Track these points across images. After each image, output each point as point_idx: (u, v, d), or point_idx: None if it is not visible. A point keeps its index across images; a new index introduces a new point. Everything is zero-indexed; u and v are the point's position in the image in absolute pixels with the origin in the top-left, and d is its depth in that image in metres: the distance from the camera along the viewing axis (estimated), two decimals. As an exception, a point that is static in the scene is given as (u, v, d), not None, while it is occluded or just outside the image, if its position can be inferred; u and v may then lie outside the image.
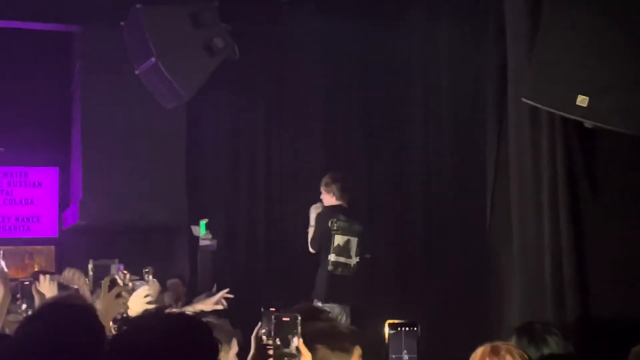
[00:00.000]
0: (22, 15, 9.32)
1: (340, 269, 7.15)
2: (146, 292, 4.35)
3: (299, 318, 2.74)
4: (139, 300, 4.29)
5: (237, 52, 8.47)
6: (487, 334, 5.05)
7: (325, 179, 7.38)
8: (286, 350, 2.71)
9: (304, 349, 2.74)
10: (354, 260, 7.18)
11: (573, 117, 4.31)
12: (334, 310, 6.86)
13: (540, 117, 4.78)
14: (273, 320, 2.71)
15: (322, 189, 7.37)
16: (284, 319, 2.71)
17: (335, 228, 7.19)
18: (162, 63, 7.95)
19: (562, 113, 4.39)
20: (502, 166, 5.49)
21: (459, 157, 7.67)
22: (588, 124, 4.31)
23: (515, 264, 5.16)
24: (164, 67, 7.96)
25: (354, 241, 7.18)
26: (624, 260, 4.59)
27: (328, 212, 7.28)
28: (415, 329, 2.54)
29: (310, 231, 7.44)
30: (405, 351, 2.50)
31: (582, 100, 4.17)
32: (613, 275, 4.60)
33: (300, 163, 9.38)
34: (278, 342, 2.70)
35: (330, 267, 7.14)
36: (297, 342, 2.71)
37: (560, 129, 4.65)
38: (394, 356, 2.51)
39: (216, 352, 2.29)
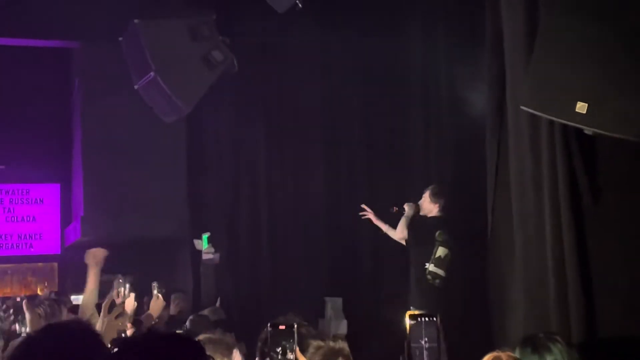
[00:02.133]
0: (21, 32, 9.35)
1: (437, 280, 7.12)
2: None
3: (296, 326, 2.76)
4: None
5: (235, 65, 8.46)
6: (489, 344, 5.05)
7: (434, 189, 7.34)
8: (285, 358, 2.73)
9: (301, 358, 2.76)
10: (444, 273, 7.15)
11: (572, 124, 4.29)
12: None
13: (539, 125, 4.76)
14: (269, 330, 2.74)
15: (429, 197, 7.32)
16: (281, 327, 2.75)
17: (441, 240, 7.17)
18: (161, 77, 7.96)
19: (561, 120, 4.37)
20: (502, 174, 5.47)
21: (459, 167, 7.67)
22: (588, 130, 4.28)
23: (517, 272, 5.14)
24: (163, 81, 7.96)
25: (449, 255, 7.17)
26: (626, 266, 4.57)
27: (435, 222, 7.28)
28: (434, 319, 2.63)
29: (403, 222, 7.41)
30: (425, 339, 2.58)
31: (581, 107, 4.15)
32: (615, 282, 4.58)
33: (301, 174, 9.37)
34: (278, 350, 2.73)
35: (429, 277, 7.11)
36: (295, 350, 2.74)
37: (559, 136, 4.62)
38: (414, 345, 2.58)
39: None
